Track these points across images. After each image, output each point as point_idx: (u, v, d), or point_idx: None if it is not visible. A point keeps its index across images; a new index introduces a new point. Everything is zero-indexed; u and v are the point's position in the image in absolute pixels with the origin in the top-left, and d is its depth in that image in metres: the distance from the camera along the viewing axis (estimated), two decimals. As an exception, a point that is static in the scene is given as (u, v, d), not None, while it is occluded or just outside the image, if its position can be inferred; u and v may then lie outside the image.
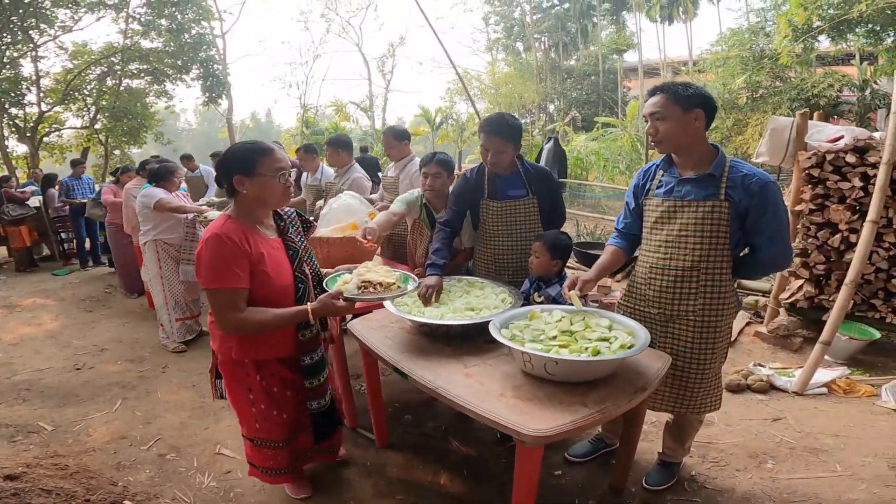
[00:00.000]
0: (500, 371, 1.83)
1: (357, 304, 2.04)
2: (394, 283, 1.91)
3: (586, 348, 1.70)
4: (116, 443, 2.73)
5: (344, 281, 1.91)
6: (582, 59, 27.59)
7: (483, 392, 1.70)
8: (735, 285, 2.02)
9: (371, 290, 1.85)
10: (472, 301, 2.21)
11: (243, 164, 1.70)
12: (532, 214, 2.54)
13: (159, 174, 3.98)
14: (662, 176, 1.99)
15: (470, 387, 1.73)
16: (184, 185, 6.99)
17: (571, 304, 1.97)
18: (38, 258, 7.76)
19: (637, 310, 2.07)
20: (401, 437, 2.66)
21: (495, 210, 2.55)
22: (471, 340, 2.04)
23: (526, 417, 1.54)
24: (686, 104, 1.81)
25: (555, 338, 1.79)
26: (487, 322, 1.89)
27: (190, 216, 4.11)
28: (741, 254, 1.96)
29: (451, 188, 2.88)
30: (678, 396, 2.04)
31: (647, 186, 2.02)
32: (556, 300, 2.24)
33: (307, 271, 1.88)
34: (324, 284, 1.97)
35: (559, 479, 2.33)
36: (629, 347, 1.71)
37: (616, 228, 2.22)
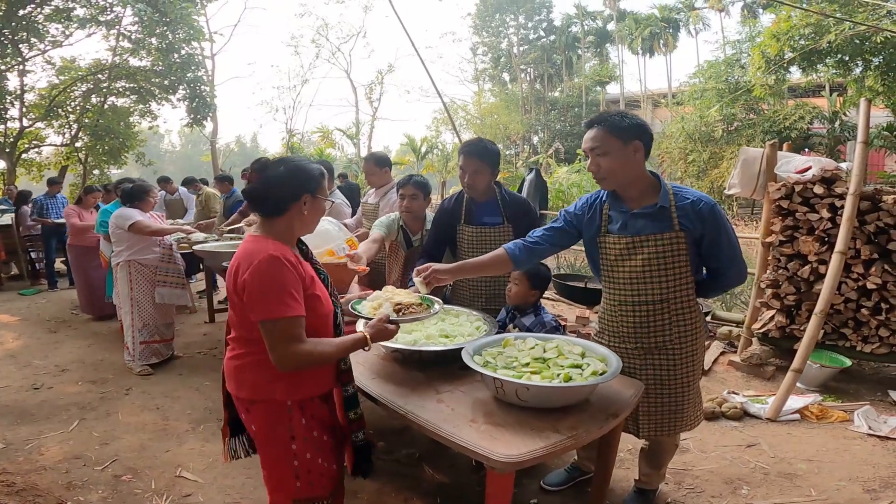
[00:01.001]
0: (472, 397, 1.80)
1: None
2: (422, 304, 1.87)
3: (558, 375, 1.69)
4: (69, 462, 2.62)
5: (373, 306, 1.85)
6: (566, 90, 28.41)
7: (454, 417, 1.66)
8: (710, 317, 2.04)
9: (410, 311, 1.81)
10: (446, 328, 2.19)
11: (315, 184, 1.59)
12: (507, 242, 2.55)
13: (133, 194, 3.90)
14: (609, 211, 1.95)
15: (441, 412, 1.70)
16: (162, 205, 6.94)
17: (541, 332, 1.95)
18: (7, 277, 7.53)
19: (613, 346, 2.02)
20: (373, 464, 2.59)
21: (470, 235, 2.56)
22: (444, 367, 2.01)
23: (496, 443, 1.51)
24: (625, 136, 1.77)
25: (527, 364, 1.78)
26: (461, 349, 1.86)
27: (168, 239, 4.04)
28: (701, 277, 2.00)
29: (428, 211, 2.89)
30: (669, 420, 2.03)
31: (598, 224, 1.97)
32: (530, 330, 2.23)
33: (337, 296, 1.77)
34: (349, 307, 1.88)
35: (534, 509, 2.28)
36: (601, 374, 1.70)
37: (529, 235, 2.10)
